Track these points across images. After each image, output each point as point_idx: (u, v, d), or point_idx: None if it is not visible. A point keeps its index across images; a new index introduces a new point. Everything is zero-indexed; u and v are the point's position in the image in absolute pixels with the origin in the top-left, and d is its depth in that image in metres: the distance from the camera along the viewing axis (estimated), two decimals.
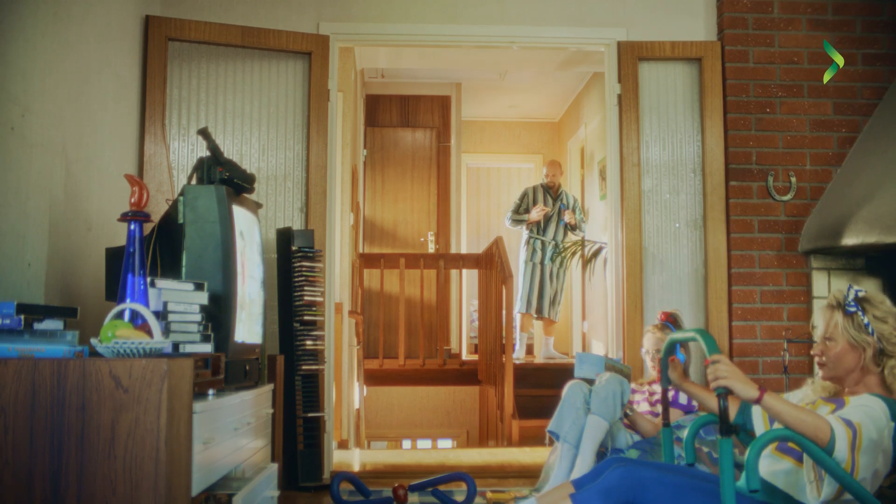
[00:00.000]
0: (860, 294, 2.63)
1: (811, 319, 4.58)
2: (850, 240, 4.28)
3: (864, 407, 2.46)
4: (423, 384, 8.09)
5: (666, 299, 4.67)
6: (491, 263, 7.35)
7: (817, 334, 2.68)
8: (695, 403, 3.74)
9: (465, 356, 8.77)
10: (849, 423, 2.37)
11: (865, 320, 2.59)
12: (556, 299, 7.96)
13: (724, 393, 2.37)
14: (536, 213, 7.93)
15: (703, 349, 2.47)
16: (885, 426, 2.44)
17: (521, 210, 8.08)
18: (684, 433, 3.43)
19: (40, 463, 2.08)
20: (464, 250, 9.55)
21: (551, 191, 8.03)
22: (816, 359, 2.67)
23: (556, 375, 6.65)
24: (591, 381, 3.82)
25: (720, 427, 2.35)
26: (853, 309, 2.61)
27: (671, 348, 2.78)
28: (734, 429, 2.37)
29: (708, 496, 2.46)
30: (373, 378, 7.77)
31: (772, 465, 2.57)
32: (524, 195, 8.15)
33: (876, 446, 2.41)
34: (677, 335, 2.77)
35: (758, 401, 2.37)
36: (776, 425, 2.62)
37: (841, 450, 2.33)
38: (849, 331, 2.60)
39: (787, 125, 4.74)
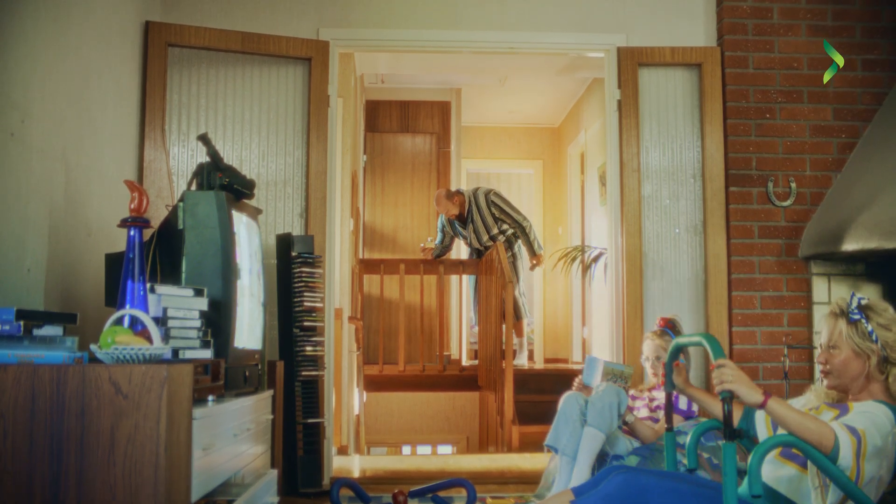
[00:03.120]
0: (863, 302, 2.62)
1: (814, 325, 4.58)
2: (850, 245, 4.28)
3: (868, 413, 2.45)
4: (422, 390, 8.07)
5: (666, 305, 4.67)
6: (491, 269, 7.34)
7: (821, 342, 2.67)
8: (695, 409, 3.73)
9: (464, 362, 8.76)
10: (853, 431, 2.36)
11: (869, 328, 2.58)
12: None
13: (729, 397, 2.35)
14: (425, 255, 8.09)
15: (710, 353, 2.46)
16: (888, 433, 2.43)
17: (444, 242, 8.12)
18: (684, 439, 3.43)
19: (40, 468, 2.07)
20: (464, 256, 9.54)
21: (459, 222, 7.86)
22: (821, 367, 2.66)
23: (557, 381, 6.66)
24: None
25: (724, 432, 2.34)
26: (857, 317, 2.60)
27: (676, 353, 2.77)
28: (738, 433, 2.36)
29: (709, 503, 2.44)
30: (373, 384, 7.76)
31: (775, 471, 2.56)
32: (442, 228, 8.08)
33: (880, 453, 2.40)
34: (683, 339, 2.76)
35: (762, 406, 2.36)
36: (780, 432, 2.61)
37: (845, 457, 2.32)
38: (853, 339, 2.59)
39: (787, 131, 4.74)
